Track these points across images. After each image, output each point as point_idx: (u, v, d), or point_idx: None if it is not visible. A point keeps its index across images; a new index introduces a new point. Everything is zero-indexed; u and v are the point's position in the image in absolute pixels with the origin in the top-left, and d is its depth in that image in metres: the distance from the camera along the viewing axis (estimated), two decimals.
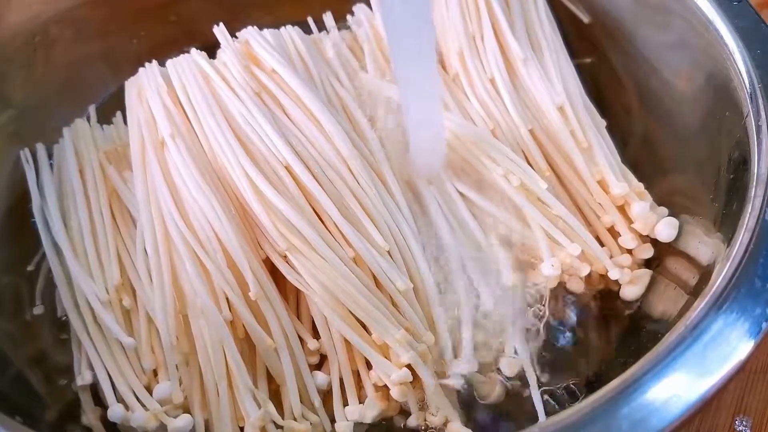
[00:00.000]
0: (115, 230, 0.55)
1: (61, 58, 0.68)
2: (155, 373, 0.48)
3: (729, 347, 0.38)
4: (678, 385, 0.37)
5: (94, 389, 0.50)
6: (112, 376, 0.48)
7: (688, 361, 0.38)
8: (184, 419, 0.45)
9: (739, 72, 0.50)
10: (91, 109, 0.65)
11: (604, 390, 0.38)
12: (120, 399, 0.47)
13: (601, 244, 0.54)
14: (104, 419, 0.48)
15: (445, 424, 0.47)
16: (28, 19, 0.65)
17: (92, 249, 0.54)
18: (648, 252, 0.54)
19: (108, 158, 0.59)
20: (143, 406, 0.46)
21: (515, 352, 0.50)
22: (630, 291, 0.53)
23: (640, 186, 0.55)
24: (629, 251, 0.54)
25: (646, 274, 0.53)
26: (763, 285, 0.41)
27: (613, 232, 0.55)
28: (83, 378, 0.49)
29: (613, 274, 0.52)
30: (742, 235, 0.43)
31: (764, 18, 0.52)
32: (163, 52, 0.62)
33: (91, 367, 0.49)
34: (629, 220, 0.54)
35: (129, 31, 0.71)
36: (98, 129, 0.62)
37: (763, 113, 0.47)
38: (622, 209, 0.54)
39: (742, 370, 0.39)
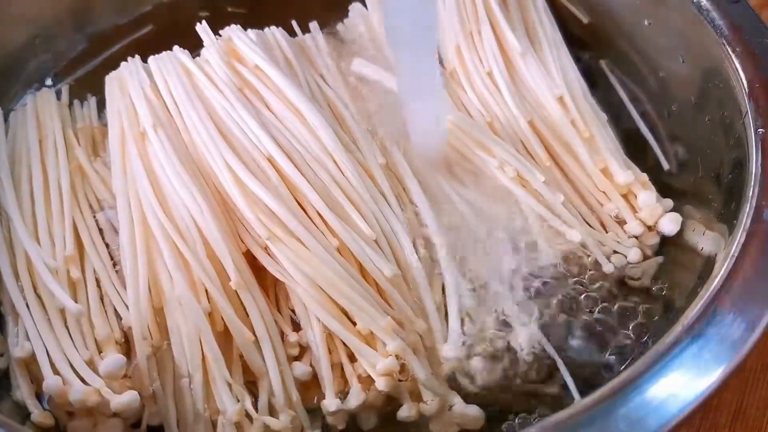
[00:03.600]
0: (74, 205, 0.54)
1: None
2: (99, 350, 0.46)
3: (726, 347, 0.38)
4: (676, 385, 0.37)
5: None
6: (49, 348, 0.45)
7: (686, 361, 0.38)
8: (128, 396, 0.43)
9: (738, 72, 0.50)
10: (64, 88, 0.64)
11: (602, 390, 0.38)
12: (58, 373, 0.44)
13: (606, 231, 0.54)
14: (39, 396, 0.45)
15: (450, 409, 0.46)
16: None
17: (43, 218, 0.52)
18: (654, 239, 0.53)
19: (76, 137, 0.58)
20: (83, 381, 0.44)
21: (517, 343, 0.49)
22: (637, 276, 0.52)
23: (644, 176, 0.55)
24: (636, 238, 0.54)
25: (654, 261, 0.53)
26: (761, 284, 0.40)
27: (618, 221, 0.54)
28: (22, 349, 0.45)
29: (610, 266, 0.52)
30: (740, 235, 0.43)
31: (763, 18, 0.52)
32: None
33: (28, 339, 0.46)
34: (633, 210, 0.54)
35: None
36: (66, 106, 0.62)
37: (760, 113, 0.47)
38: (625, 198, 0.54)
39: (741, 369, 0.38)
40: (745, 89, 0.49)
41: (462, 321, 0.49)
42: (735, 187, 0.48)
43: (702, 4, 0.53)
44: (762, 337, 0.39)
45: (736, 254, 0.42)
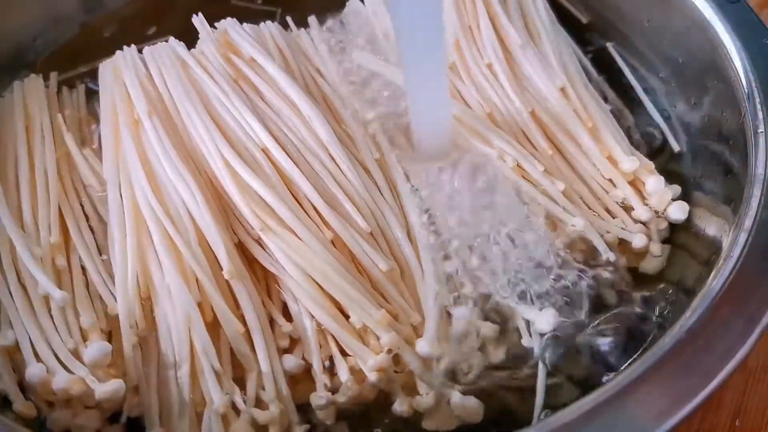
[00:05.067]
0: (61, 192, 0.53)
1: None
2: (84, 339, 0.45)
3: (726, 347, 0.38)
4: (675, 385, 0.37)
5: None
6: (32, 336, 0.44)
7: (685, 361, 0.38)
8: (113, 384, 0.42)
9: (737, 72, 0.50)
10: (52, 75, 0.63)
11: (601, 389, 0.38)
12: (41, 362, 0.43)
13: (613, 217, 0.53)
14: (22, 385, 0.44)
15: (448, 402, 0.45)
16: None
17: (28, 204, 0.51)
18: (662, 224, 0.53)
19: (66, 122, 0.58)
20: (67, 369, 0.43)
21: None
22: (648, 264, 0.52)
23: (651, 164, 0.54)
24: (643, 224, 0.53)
25: (664, 248, 0.52)
26: (760, 285, 0.40)
27: (624, 208, 0.54)
28: (5, 337, 0.44)
29: (611, 254, 0.51)
30: (739, 236, 0.43)
31: (763, 19, 0.52)
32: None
33: (11, 327, 0.45)
34: (641, 196, 0.53)
35: None
36: (54, 94, 0.61)
37: (760, 113, 0.47)
38: (632, 185, 0.54)
39: (740, 370, 0.38)
40: (744, 89, 0.49)
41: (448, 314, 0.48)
42: (735, 187, 0.48)
43: (701, 3, 0.54)
44: (761, 337, 0.39)
45: (735, 254, 0.42)
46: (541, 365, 0.47)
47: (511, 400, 0.46)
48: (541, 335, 0.47)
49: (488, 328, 0.48)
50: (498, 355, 0.47)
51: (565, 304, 0.50)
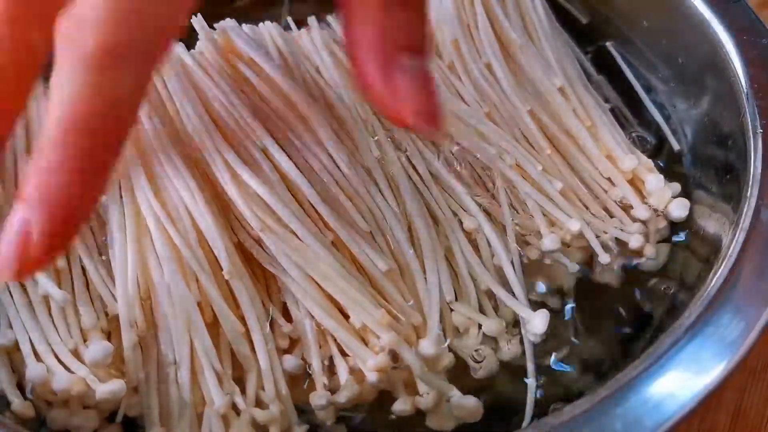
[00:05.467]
0: None
1: None
2: (84, 339, 0.45)
3: (725, 346, 0.38)
4: (673, 385, 0.37)
5: None
6: (32, 336, 0.44)
7: (684, 361, 0.38)
8: (115, 384, 0.42)
9: (736, 72, 0.50)
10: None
11: (599, 389, 0.38)
12: (41, 362, 0.43)
13: (611, 216, 0.53)
14: (20, 385, 0.44)
15: (447, 401, 0.45)
16: None
17: None
18: (662, 222, 0.53)
19: None
20: (68, 369, 0.43)
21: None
22: (649, 262, 0.52)
23: (650, 162, 0.54)
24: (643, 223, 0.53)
25: (661, 248, 0.52)
26: (760, 284, 0.40)
27: (623, 207, 0.54)
28: (4, 337, 0.44)
29: (606, 257, 0.51)
30: (738, 235, 0.43)
31: (763, 19, 0.52)
32: None
33: (11, 327, 0.45)
34: (641, 195, 0.54)
35: None
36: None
37: (758, 113, 0.47)
38: (631, 183, 0.54)
39: (739, 369, 0.38)
40: (744, 89, 0.49)
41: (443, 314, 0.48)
42: (734, 187, 0.48)
43: (701, 3, 0.54)
44: (761, 337, 0.39)
45: (735, 254, 0.42)
46: (531, 367, 0.47)
47: (510, 400, 0.46)
48: (535, 335, 0.47)
49: (490, 325, 0.48)
50: (498, 353, 0.48)
51: (562, 303, 0.50)
